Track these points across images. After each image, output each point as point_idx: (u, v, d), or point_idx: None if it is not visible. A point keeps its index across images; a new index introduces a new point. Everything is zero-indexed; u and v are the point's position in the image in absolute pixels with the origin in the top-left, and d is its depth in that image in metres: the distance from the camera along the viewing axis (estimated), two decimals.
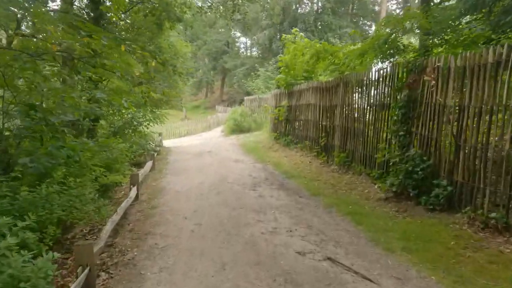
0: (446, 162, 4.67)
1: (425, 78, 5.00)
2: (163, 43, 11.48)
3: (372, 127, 6.47)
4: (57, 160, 3.94)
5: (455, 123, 4.55)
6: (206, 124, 22.87)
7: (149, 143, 9.26)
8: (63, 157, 4.00)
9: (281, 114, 11.82)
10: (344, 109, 7.63)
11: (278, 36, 32.96)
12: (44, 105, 4.42)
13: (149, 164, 7.70)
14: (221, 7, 16.76)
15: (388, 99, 5.97)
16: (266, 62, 28.52)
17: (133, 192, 5.43)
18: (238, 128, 18.44)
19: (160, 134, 13.95)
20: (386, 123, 6.05)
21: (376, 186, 5.95)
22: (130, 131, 9.89)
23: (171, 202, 5.76)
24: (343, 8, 36.28)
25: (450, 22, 6.13)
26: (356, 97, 7.26)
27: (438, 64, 4.80)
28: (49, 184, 3.97)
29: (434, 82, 4.83)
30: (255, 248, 3.85)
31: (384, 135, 6.07)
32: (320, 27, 30.64)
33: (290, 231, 4.32)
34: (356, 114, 7.20)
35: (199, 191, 6.49)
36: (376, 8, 37.31)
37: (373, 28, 27.37)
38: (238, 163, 9.51)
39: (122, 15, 10.08)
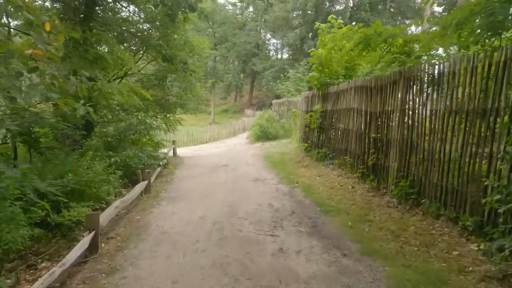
0: None
1: None
2: (178, 39, 9.67)
3: (460, 145, 4.09)
4: None
5: None
6: (230, 130, 21.05)
7: (151, 156, 7.42)
8: None
9: (313, 121, 9.56)
10: (406, 117, 5.27)
11: (310, 36, 30.60)
12: None
13: (138, 188, 5.82)
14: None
15: (497, 100, 3.58)
16: (297, 63, 26.23)
17: (84, 242, 3.51)
18: (264, 135, 16.38)
19: (173, 142, 12.22)
20: (490, 139, 3.66)
21: (474, 247, 3.56)
22: (130, 140, 8.16)
23: (144, 259, 3.76)
24: (380, 6, 33.13)
25: None
26: (426, 99, 4.88)
27: None
28: None
29: None
30: None
31: (488, 160, 3.68)
32: (355, 24, 27.87)
33: None
34: (426, 123, 4.83)
35: (194, 235, 4.45)
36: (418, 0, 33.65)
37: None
38: (257, 183, 7.41)
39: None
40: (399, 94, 5.32)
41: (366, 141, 6.58)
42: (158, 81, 10.51)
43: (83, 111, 3.35)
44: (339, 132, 8.13)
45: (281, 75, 25.08)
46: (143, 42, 7.97)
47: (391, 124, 5.65)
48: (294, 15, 29.44)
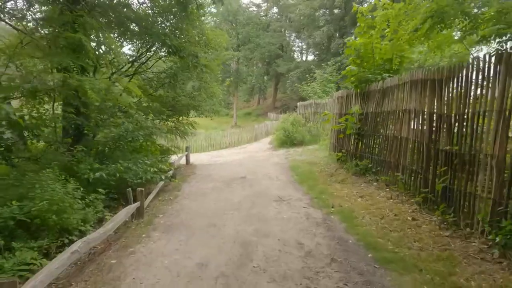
0: None
1: None
2: (189, 30, 8.21)
3: None
4: None
5: None
6: (252, 134, 19.48)
7: (149, 170, 5.92)
8: None
9: (349, 126, 7.77)
10: None
11: (338, 34, 28.55)
12: None
13: (122, 214, 4.31)
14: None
15: None
16: (324, 64, 24.33)
17: None
18: (288, 140, 14.67)
19: (187, 149, 10.79)
20: None
21: None
22: (131, 148, 6.75)
23: None
24: None
25: None
26: None
27: None
28: None
29: None
30: None
31: None
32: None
33: None
34: None
35: None
36: None
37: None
38: (281, 204, 5.75)
39: None
40: (499, 87, 3.47)
41: (432, 155, 4.73)
42: (169, 79, 9.13)
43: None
44: (387, 141, 6.30)
45: (307, 75, 23.25)
46: (145, 31, 6.55)
47: (480, 132, 3.80)
48: (321, 12, 27.47)
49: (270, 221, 4.94)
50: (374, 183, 6.41)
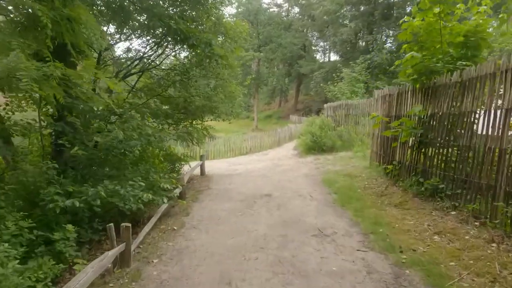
0: None
1: None
2: (204, 17, 6.69)
3: None
4: None
5: None
6: (275, 138, 17.79)
7: (143, 194, 4.34)
8: None
9: (405, 131, 5.92)
10: None
11: (366, 30, 26.36)
12: None
13: (91, 273, 2.77)
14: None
15: None
16: (353, 62, 22.30)
17: None
18: (316, 146, 12.88)
19: (201, 158, 9.27)
20: None
21: None
22: (128, 160, 5.28)
23: None
24: None
25: None
26: None
27: None
28: None
29: None
30: None
31: None
32: None
33: None
34: None
35: None
36: None
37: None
38: (323, 244, 4.05)
39: None
40: None
41: None
42: (180, 76, 7.66)
43: None
44: (472, 153, 4.46)
45: (334, 75, 21.33)
46: (144, 11, 5.09)
47: None
48: (347, 8, 25.37)
49: (312, 276, 3.26)
50: (452, 212, 4.56)
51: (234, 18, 33.90)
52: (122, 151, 4.58)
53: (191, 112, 8.26)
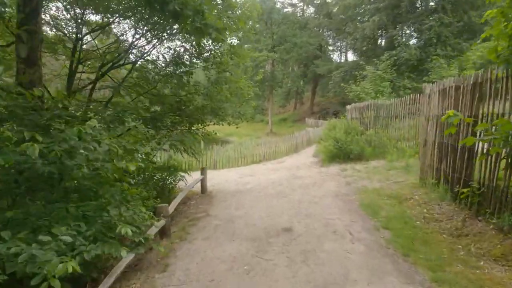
0: None
1: None
2: None
3: None
4: None
5: None
6: (291, 144, 15.74)
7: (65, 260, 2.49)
8: None
9: (498, 140, 3.81)
10: None
11: (391, 25, 23.93)
12: None
13: None
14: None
15: None
16: (376, 59, 20.03)
17: None
18: (341, 153, 10.81)
19: (202, 171, 7.34)
20: None
21: None
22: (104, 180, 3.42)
23: None
24: None
25: None
26: None
27: None
28: None
29: None
30: None
31: None
32: (454, 3, 20.33)
33: None
34: None
35: None
36: None
37: None
38: None
39: None
40: None
41: None
42: (173, 66, 5.86)
43: None
44: None
45: (356, 72, 19.14)
46: None
47: None
48: (371, 0, 23.04)
49: None
50: None
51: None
52: (49, 175, 2.73)
53: (187, 114, 6.41)
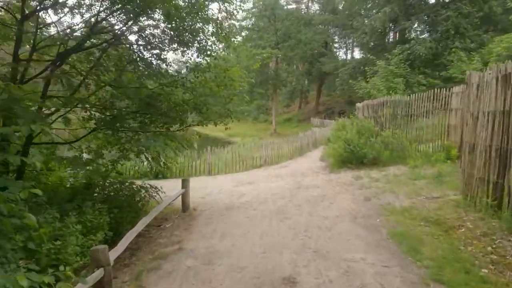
0: None
1: None
2: None
3: None
4: None
5: None
6: (296, 145, 14.15)
7: None
8: None
9: None
10: None
11: (402, 17, 22.20)
12: None
13: None
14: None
15: None
16: (388, 53, 18.36)
17: None
18: (353, 157, 9.25)
19: (184, 183, 5.75)
20: None
21: None
22: None
23: None
24: None
25: None
26: None
27: None
28: None
29: None
30: None
31: None
32: None
33: None
34: None
35: None
36: None
37: None
38: None
39: None
40: None
41: None
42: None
43: None
44: None
45: (367, 68, 17.50)
46: None
47: None
48: None
49: None
50: None
51: (250, 14, 30.68)
52: None
53: (163, 112, 4.92)
